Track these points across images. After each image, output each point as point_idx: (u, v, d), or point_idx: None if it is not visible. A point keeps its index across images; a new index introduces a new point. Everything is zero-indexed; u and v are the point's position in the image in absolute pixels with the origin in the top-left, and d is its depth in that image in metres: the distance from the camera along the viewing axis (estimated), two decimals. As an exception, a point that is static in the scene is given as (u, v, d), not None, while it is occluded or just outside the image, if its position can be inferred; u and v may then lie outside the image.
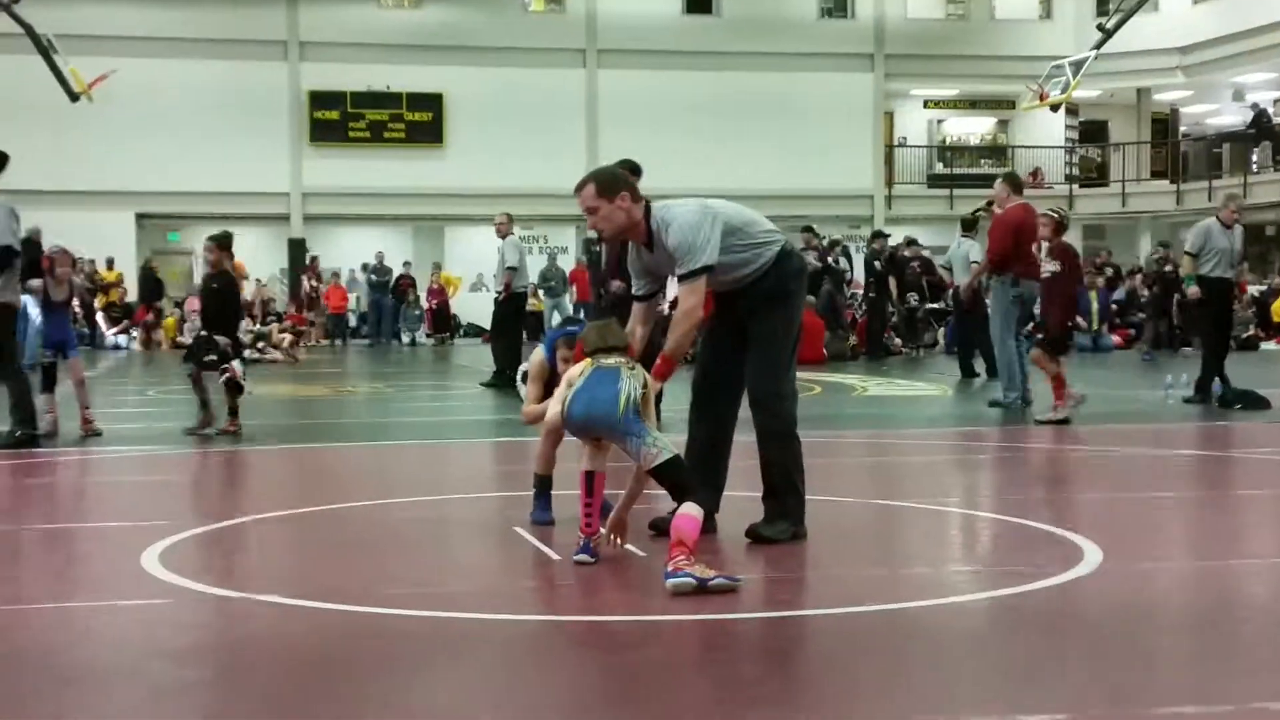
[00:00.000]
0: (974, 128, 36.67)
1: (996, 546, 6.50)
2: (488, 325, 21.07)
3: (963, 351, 17.68)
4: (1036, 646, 4.47)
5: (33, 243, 20.67)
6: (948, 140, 36.27)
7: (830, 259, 22.95)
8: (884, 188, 34.08)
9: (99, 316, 27.10)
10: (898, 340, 23.72)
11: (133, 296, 28.89)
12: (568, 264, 30.76)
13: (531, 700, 3.92)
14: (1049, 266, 11.56)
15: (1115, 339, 26.06)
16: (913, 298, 24.46)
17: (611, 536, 5.72)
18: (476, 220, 27.80)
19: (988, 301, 14.54)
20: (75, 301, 12.70)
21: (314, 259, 31.24)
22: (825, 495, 6.94)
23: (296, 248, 31.71)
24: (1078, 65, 28.44)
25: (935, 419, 12.77)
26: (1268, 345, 25.74)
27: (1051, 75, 29.28)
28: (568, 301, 29.15)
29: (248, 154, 30.46)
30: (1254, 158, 32.99)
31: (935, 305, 25.34)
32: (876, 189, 33.89)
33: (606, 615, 4.93)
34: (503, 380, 15.55)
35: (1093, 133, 36.72)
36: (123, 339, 27.11)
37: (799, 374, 6.48)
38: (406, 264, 31.31)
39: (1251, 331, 25.91)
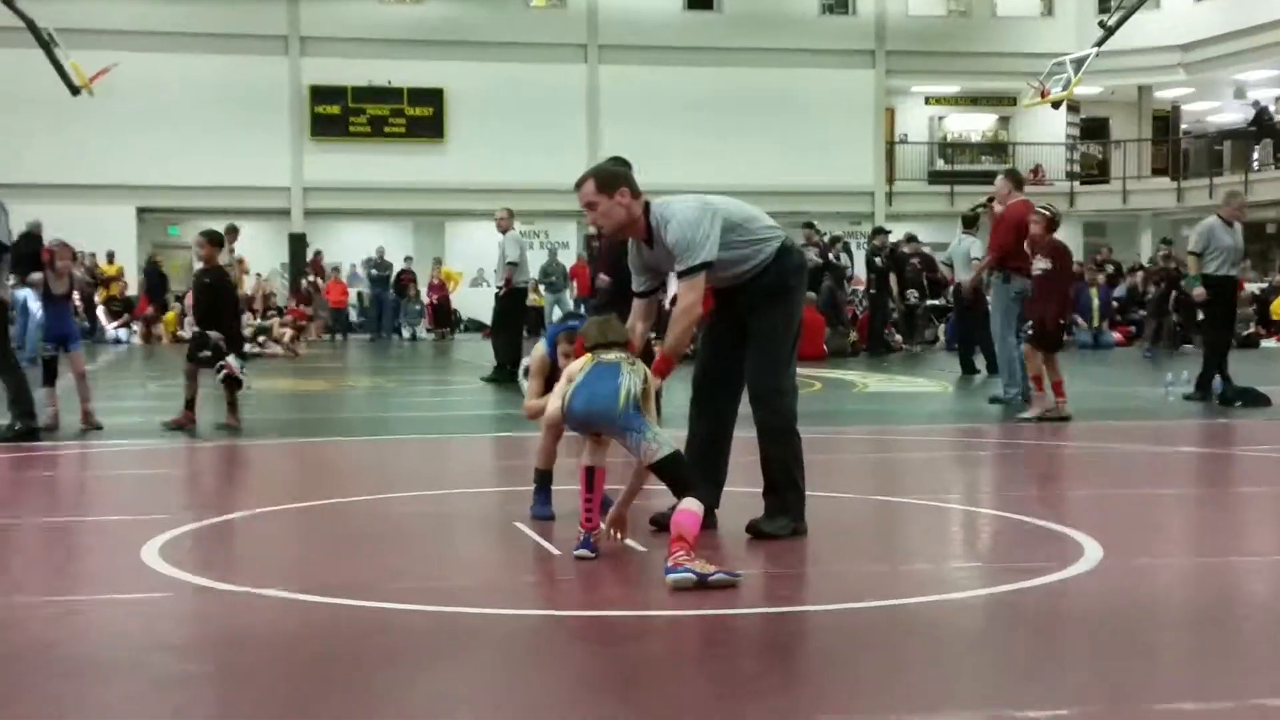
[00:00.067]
0: (975, 124, 36.65)
1: (996, 543, 6.50)
2: (488, 320, 21.08)
3: (963, 348, 17.68)
4: (1036, 643, 4.48)
5: (33, 236, 20.71)
6: (949, 137, 36.26)
7: (831, 255, 22.95)
8: (885, 184, 34.07)
9: (99, 310, 27.10)
10: (898, 336, 23.71)
11: (133, 290, 28.90)
12: (569, 259, 30.77)
13: (532, 695, 3.92)
14: (1040, 264, 11.58)
15: (1116, 336, 26.06)
16: (912, 294, 24.45)
17: (612, 532, 5.72)
18: (477, 215, 27.80)
19: (988, 298, 14.54)
20: (76, 295, 12.68)
21: (318, 254, 31.24)
22: (825, 491, 6.95)
23: (297, 242, 31.72)
24: (1079, 62, 28.43)
25: (935, 415, 12.77)
26: (1268, 343, 25.73)
27: (1053, 72, 29.26)
28: (568, 297, 29.15)
29: (248, 148, 30.46)
30: (1255, 155, 32.97)
31: (936, 302, 25.34)
32: (877, 185, 33.88)
33: (607, 610, 4.93)
34: (503, 375, 15.56)
35: (1094, 130, 36.71)
36: (123, 333, 27.11)
37: (799, 370, 6.48)
38: (408, 259, 31.30)
39: (1252, 329, 25.90)
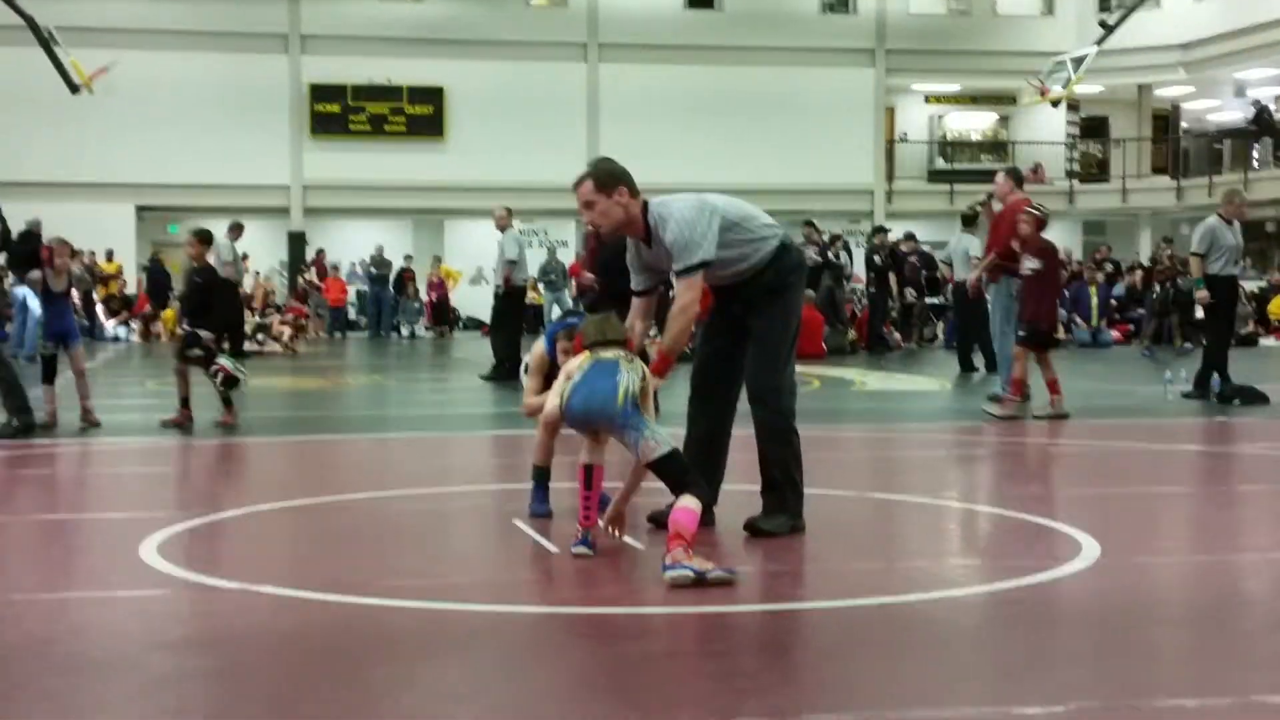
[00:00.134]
0: (975, 123, 36.63)
1: (994, 540, 6.50)
2: (487, 318, 21.07)
3: (962, 346, 17.67)
4: (1034, 640, 4.48)
5: (33, 234, 20.71)
6: (948, 136, 36.24)
7: (830, 254, 22.95)
8: (884, 183, 34.05)
9: (98, 308, 27.09)
10: (897, 335, 23.71)
11: (132, 289, 28.88)
12: (568, 258, 30.73)
13: (530, 692, 3.93)
14: (1030, 264, 11.61)
15: (1114, 334, 26.06)
16: (910, 293, 24.44)
17: (610, 529, 5.72)
18: (476, 214, 27.77)
19: (988, 296, 14.53)
20: (74, 293, 12.69)
21: (320, 252, 31.22)
22: (824, 489, 6.95)
23: (296, 241, 31.71)
24: (1079, 61, 28.44)
25: (934, 414, 12.77)
26: (1266, 341, 25.74)
27: (1053, 71, 29.27)
28: (567, 295, 29.14)
29: (248, 147, 30.45)
30: (1255, 154, 32.96)
31: (935, 300, 25.34)
32: (877, 184, 33.87)
33: (605, 607, 4.93)
34: (502, 373, 15.56)
35: (1094, 128, 36.70)
36: (122, 331, 27.11)
37: (798, 368, 6.48)
38: (408, 257, 31.31)
39: (1250, 328, 25.91)
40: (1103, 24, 28.67)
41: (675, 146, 30.04)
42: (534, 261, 25.77)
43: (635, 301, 6.18)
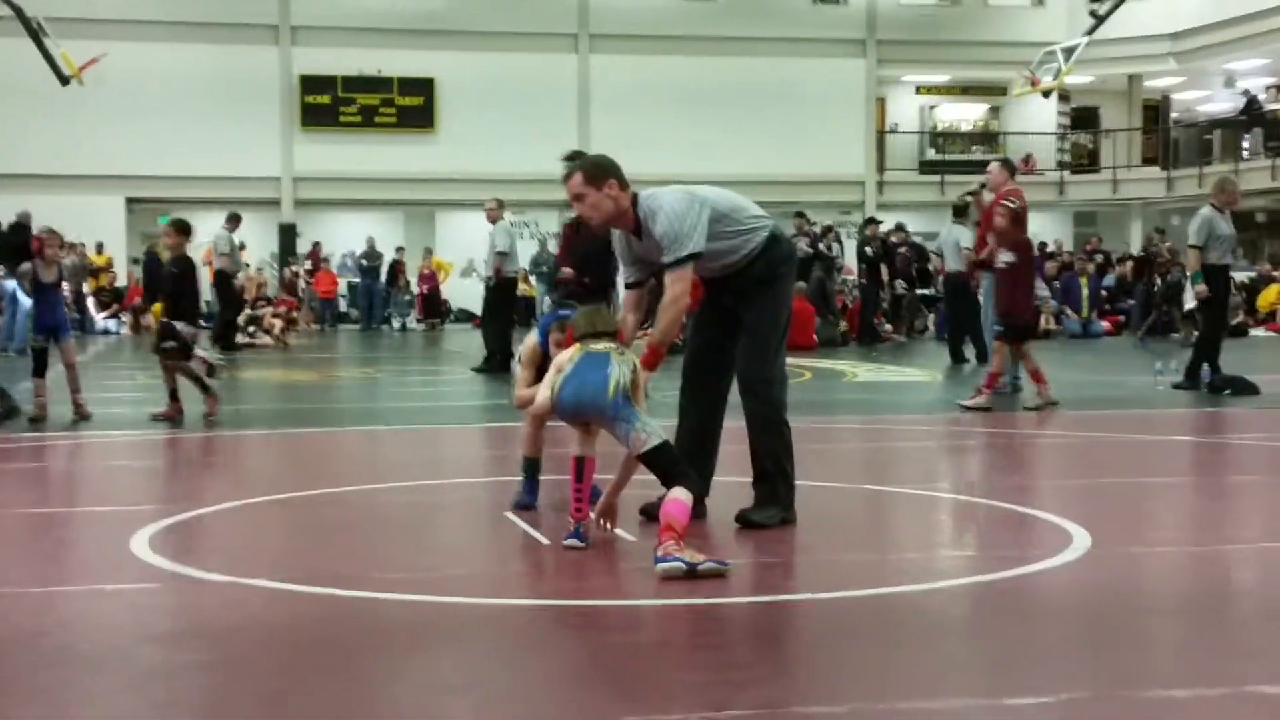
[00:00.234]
0: (966, 114, 36.64)
1: (985, 531, 6.51)
2: (479, 310, 21.06)
3: (953, 337, 17.69)
4: (1025, 631, 4.48)
5: (23, 226, 20.63)
6: (939, 126, 36.25)
7: (821, 245, 22.95)
8: (875, 174, 34.05)
9: (89, 301, 27.02)
10: (888, 326, 23.73)
11: (122, 281, 28.80)
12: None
13: (522, 684, 3.93)
14: (1005, 257, 11.63)
15: (1105, 325, 26.09)
16: (900, 284, 24.46)
17: (601, 522, 5.72)
18: (468, 205, 27.74)
19: (979, 288, 14.54)
20: (65, 285, 12.62)
21: (316, 245, 31.15)
22: (815, 480, 6.95)
23: (287, 233, 31.65)
24: (1069, 51, 28.43)
25: (925, 405, 12.78)
26: (1257, 332, 25.77)
27: (1043, 61, 29.25)
28: (557, 287, 29.11)
29: (238, 138, 30.38)
30: (1245, 144, 33.01)
31: (926, 291, 25.35)
32: (868, 175, 33.87)
33: (596, 599, 4.93)
34: (494, 365, 15.55)
35: (1084, 119, 36.71)
36: (112, 324, 27.05)
37: (789, 359, 6.48)
38: (400, 249, 31.28)
39: (1240, 318, 25.94)
40: (1093, 14, 28.66)
41: (666, 137, 30.04)
42: (525, 253, 25.76)
43: (626, 294, 6.17)
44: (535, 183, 27.32)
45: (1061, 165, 35.18)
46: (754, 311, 6.10)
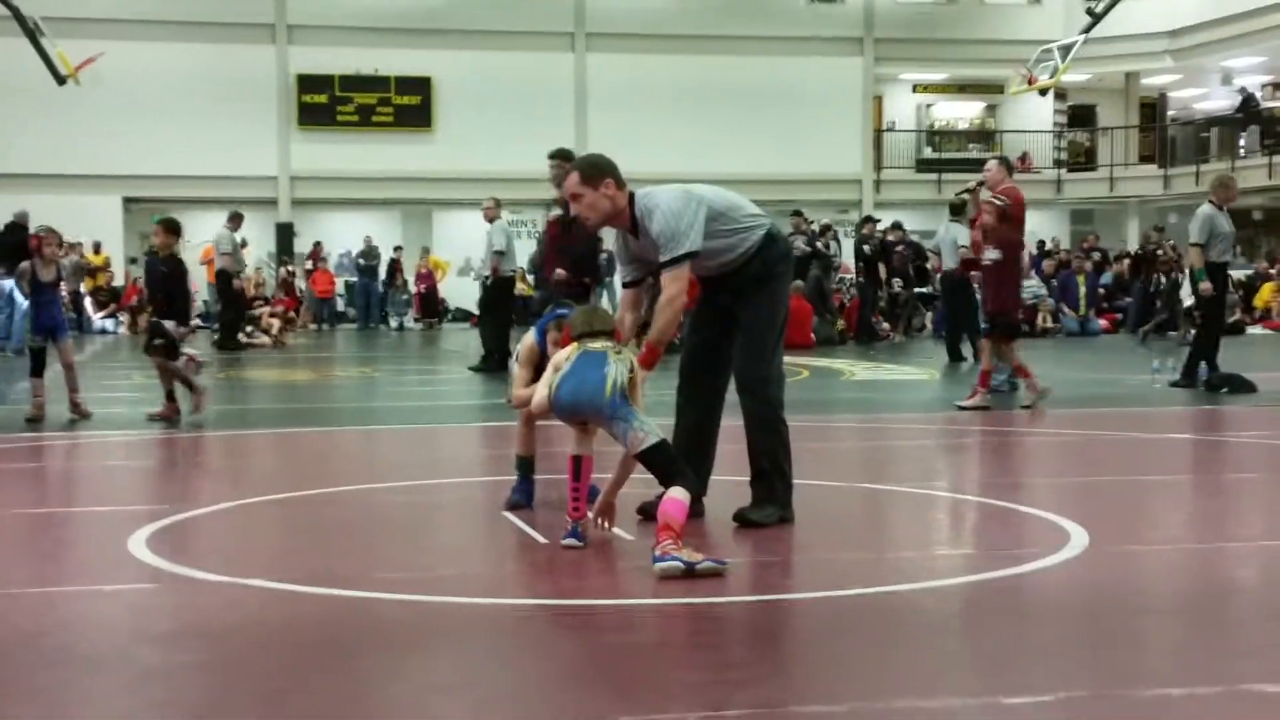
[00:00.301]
0: (962, 112, 36.64)
1: (983, 530, 6.51)
2: (476, 309, 21.04)
3: (950, 336, 17.70)
4: (1023, 629, 4.48)
5: (20, 226, 20.61)
6: (936, 125, 36.25)
7: (819, 243, 22.96)
8: (873, 172, 34.05)
9: (86, 301, 27.01)
10: (886, 325, 23.74)
11: (119, 281, 28.79)
12: (557, 249, 30.68)
13: (519, 684, 3.93)
14: (991, 254, 11.65)
15: (1102, 323, 26.09)
16: (897, 283, 24.47)
17: (599, 521, 5.72)
18: (465, 204, 27.74)
19: (976, 285, 14.55)
20: (63, 286, 12.63)
21: (317, 244, 31.12)
22: (813, 479, 6.95)
23: (284, 232, 31.64)
24: (1066, 49, 28.43)
25: (923, 403, 12.78)
26: (1254, 329, 25.78)
27: (1040, 59, 29.25)
28: (557, 286, 29.06)
29: (235, 138, 30.35)
30: (1242, 142, 33.01)
31: (923, 290, 25.35)
32: (865, 173, 33.87)
33: (594, 599, 4.93)
34: (491, 364, 15.55)
35: (1081, 117, 36.71)
36: (109, 323, 27.05)
37: (786, 358, 6.49)
38: (397, 249, 31.26)
39: (1238, 315, 25.95)
40: (1090, 12, 28.65)
41: (663, 136, 30.03)
42: (522, 252, 25.74)
43: (624, 293, 6.18)
44: (532, 182, 27.25)
45: (1058, 163, 35.18)
46: (751, 310, 6.10)
